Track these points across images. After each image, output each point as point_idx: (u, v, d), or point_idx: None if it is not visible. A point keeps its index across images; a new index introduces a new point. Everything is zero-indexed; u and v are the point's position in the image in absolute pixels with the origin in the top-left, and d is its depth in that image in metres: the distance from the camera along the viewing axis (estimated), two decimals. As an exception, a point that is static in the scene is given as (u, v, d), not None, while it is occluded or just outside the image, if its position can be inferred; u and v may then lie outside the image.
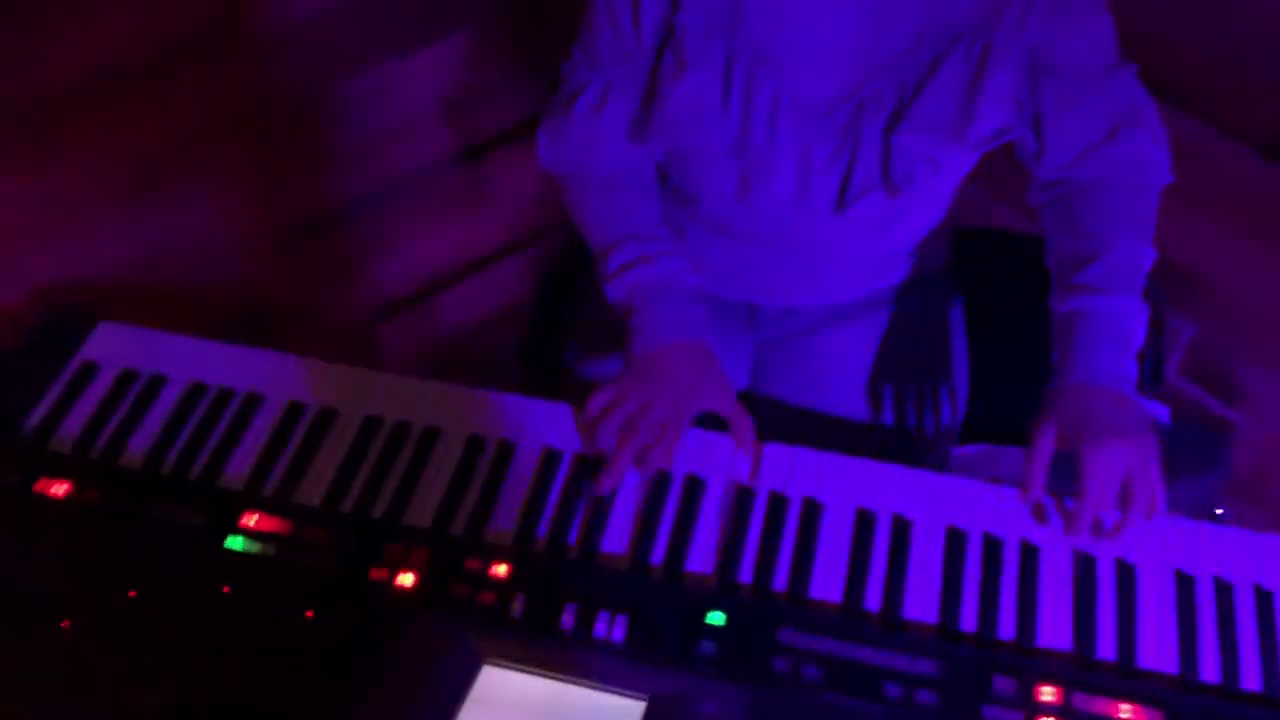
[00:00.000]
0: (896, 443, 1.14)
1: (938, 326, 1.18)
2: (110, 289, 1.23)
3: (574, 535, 0.88)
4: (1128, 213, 0.97)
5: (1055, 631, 0.82)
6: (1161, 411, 1.53)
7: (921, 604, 0.84)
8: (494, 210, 1.52)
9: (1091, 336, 0.92)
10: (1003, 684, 0.77)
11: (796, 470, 0.92)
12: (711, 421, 0.96)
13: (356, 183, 1.40)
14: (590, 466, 0.92)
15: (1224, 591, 0.84)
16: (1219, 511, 1.58)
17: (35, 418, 0.97)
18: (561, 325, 1.29)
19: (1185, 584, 0.84)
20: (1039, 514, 0.89)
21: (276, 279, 1.40)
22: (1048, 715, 0.75)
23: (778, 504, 0.90)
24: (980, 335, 1.22)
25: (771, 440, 1.07)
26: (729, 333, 1.17)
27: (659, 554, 0.87)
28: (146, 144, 1.18)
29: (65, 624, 0.79)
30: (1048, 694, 0.76)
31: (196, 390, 0.99)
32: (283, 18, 1.19)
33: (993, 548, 0.86)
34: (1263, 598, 0.83)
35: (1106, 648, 0.81)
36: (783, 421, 1.15)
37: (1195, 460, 1.50)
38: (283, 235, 1.37)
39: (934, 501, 0.90)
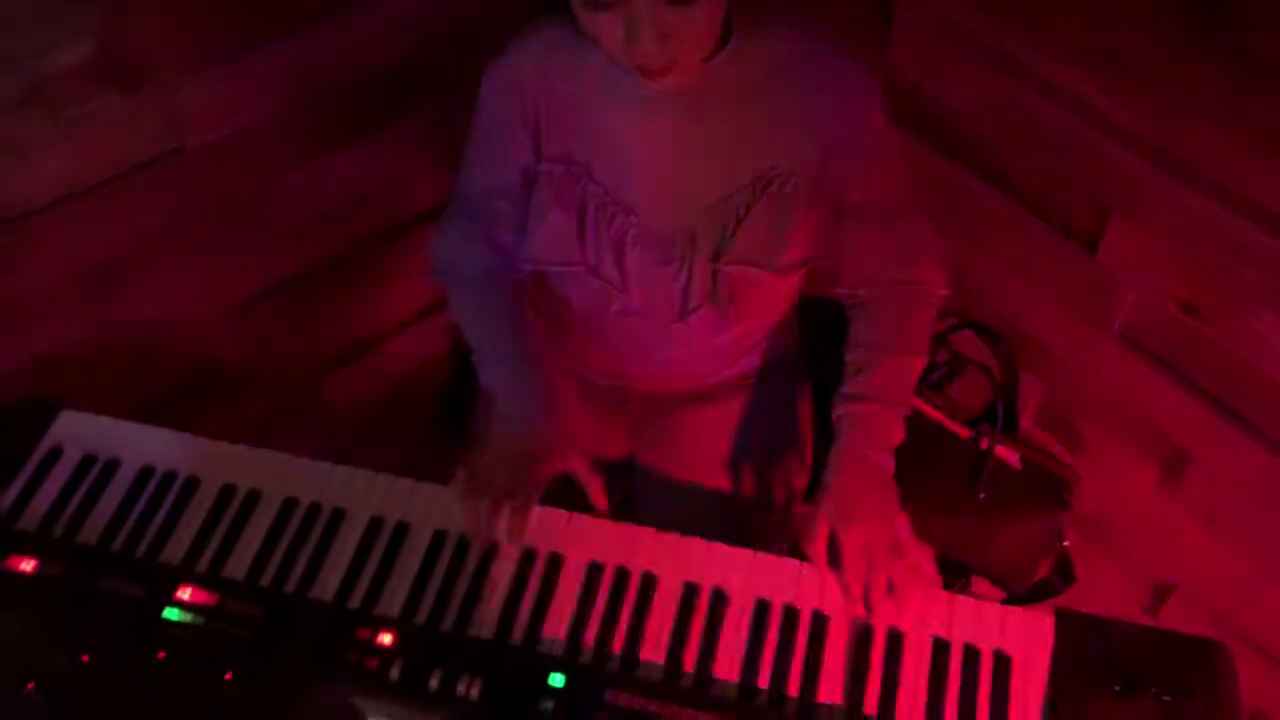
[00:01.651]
0: (752, 507, 1.33)
1: (789, 404, 1.37)
2: (77, 363, 1.41)
3: (454, 607, 1.07)
4: (900, 329, 1.17)
5: (832, 689, 1.02)
6: (1012, 457, 1.73)
7: (729, 665, 1.03)
8: (416, 278, 1.70)
9: (854, 438, 1.11)
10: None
11: (639, 548, 1.11)
12: (573, 501, 1.14)
13: (296, 260, 1.58)
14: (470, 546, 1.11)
15: (971, 656, 1.03)
16: (1066, 544, 1.77)
17: (6, 499, 1.15)
18: (472, 388, 1.47)
19: (940, 649, 1.04)
20: (831, 588, 1.08)
21: (227, 347, 1.58)
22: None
23: (622, 578, 1.09)
24: (825, 402, 1.41)
25: (644, 509, 1.26)
26: (608, 411, 1.36)
27: (522, 622, 1.06)
28: (109, 245, 1.37)
29: (30, 686, 0.98)
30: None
31: (144, 474, 1.17)
32: (223, 136, 1.36)
33: (790, 616, 1.06)
34: (1001, 662, 1.03)
35: (871, 703, 1.01)
36: (656, 491, 1.35)
37: (1043, 499, 1.69)
38: (232, 308, 1.55)
39: (748, 576, 1.09)
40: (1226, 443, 1.41)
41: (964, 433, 1.76)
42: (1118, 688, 0.99)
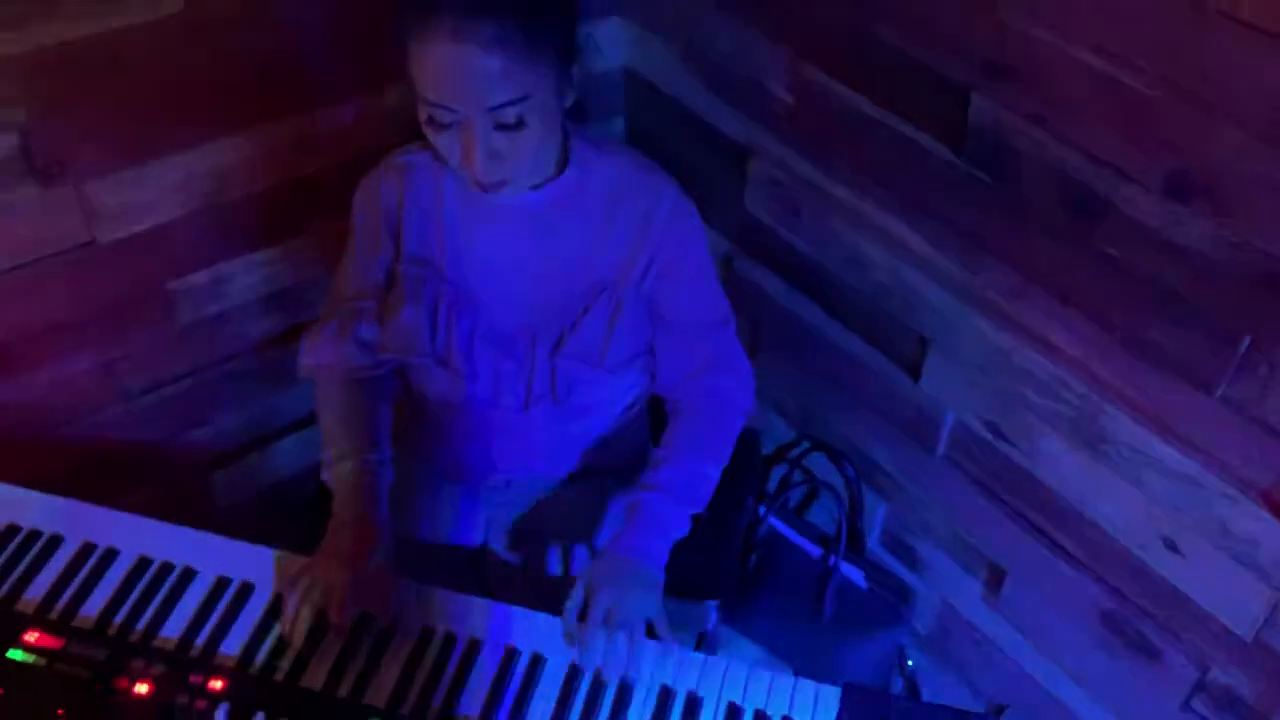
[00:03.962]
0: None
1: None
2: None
3: (287, 660, 1.15)
4: (699, 434, 1.30)
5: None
6: (857, 575, 1.85)
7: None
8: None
9: (635, 522, 1.24)
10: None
11: (470, 616, 1.20)
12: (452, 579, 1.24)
13: (193, 356, 1.69)
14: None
15: (692, 704, 1.13)
16: (910, 662, 1.87)
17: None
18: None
19: (734, 712, 1.13)
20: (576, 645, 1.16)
21: (118, 434, 1.67)
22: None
23: (449, 640, 1.18)
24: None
25: (496, 592, 1.35)
26: (465, 500, 1.46)
27: (351, 676, 1.14)
28: (9, 324, 1.47)
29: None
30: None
31: (9, 531, 1.25)
32: (134, 233, 1.50)
33: (597, 685, 1.15)
34: (733, 711, 1.13)
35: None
36: (508, 581, 1.44)
37: (885, 616, 1.80)
38: (125, 396, 1.65)
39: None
40: (1033, 558, 1.54)
41: (816, 552, 1.88)
42: (888, 751, 1.08)
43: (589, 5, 1.75)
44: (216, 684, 1.10)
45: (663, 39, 1.76)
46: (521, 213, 1.23)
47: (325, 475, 1.28)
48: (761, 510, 1.90)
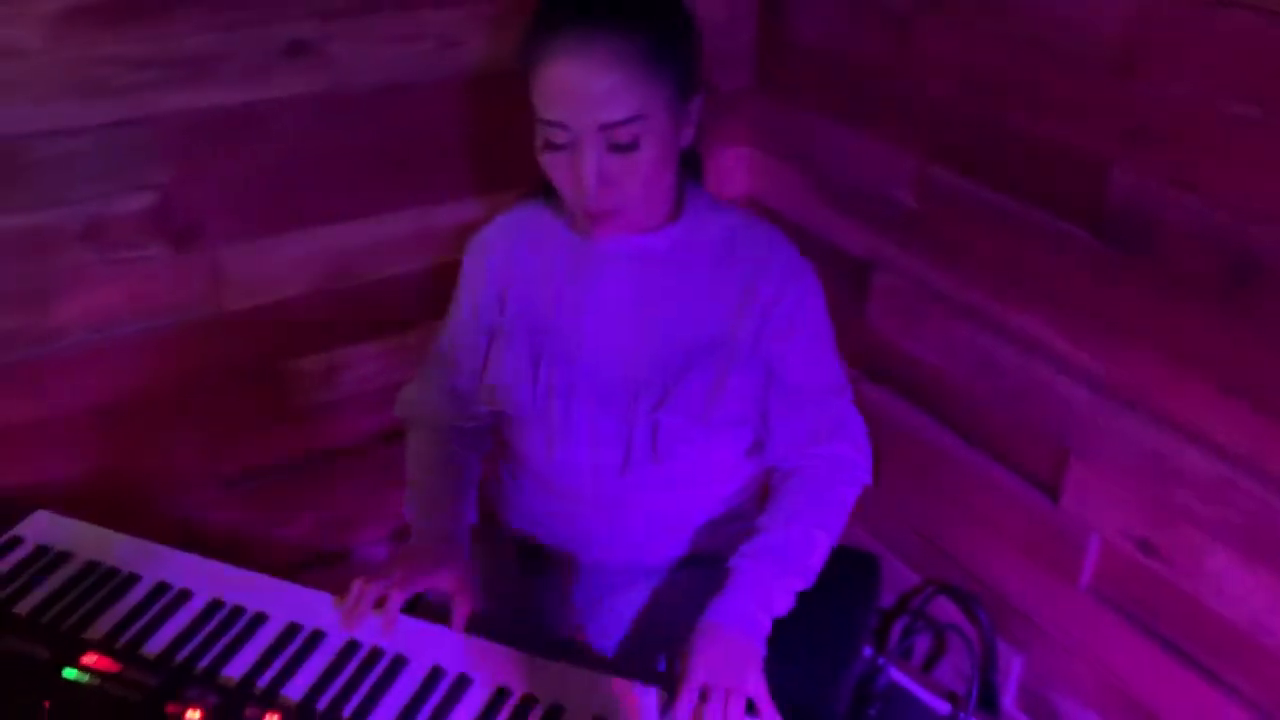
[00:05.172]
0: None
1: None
2: (63, 489, 1.48)
3: (350, 708, 1.05)
4: (808, 500, 1.20)
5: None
6: (992, 736, 1.64)
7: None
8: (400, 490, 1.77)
9: (735, 590, 1.13)
10: None
11: (549, 676, 1.09)
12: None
13: (297, 444, 1.67)
14: (374, 656, 1.10)
15: None
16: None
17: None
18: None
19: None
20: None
21: (209, 516, 1.63)
22: None
23: (526, 702, 1.06)
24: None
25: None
26: (553, 586, 1.37)
27: (415, 731, 1.03)
28: (128, 384, 1.48)
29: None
30: None
31: (91, 566, 1.21)
32: (259, 304, 1.53)
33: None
34: None
35: None
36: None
37: (1024, 789, 1.58)
38: (223, 479, 1.63)
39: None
40: (1201, 706, 1.33)
41: (944, 709, 1.68)
42: None
43: (723, 132, 1.80)
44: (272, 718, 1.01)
45: (792, 165, 1.77)
46: (630, 261, 1.20)
47: (405, 510, 1.26)
48: (881, 660, 1.73)
